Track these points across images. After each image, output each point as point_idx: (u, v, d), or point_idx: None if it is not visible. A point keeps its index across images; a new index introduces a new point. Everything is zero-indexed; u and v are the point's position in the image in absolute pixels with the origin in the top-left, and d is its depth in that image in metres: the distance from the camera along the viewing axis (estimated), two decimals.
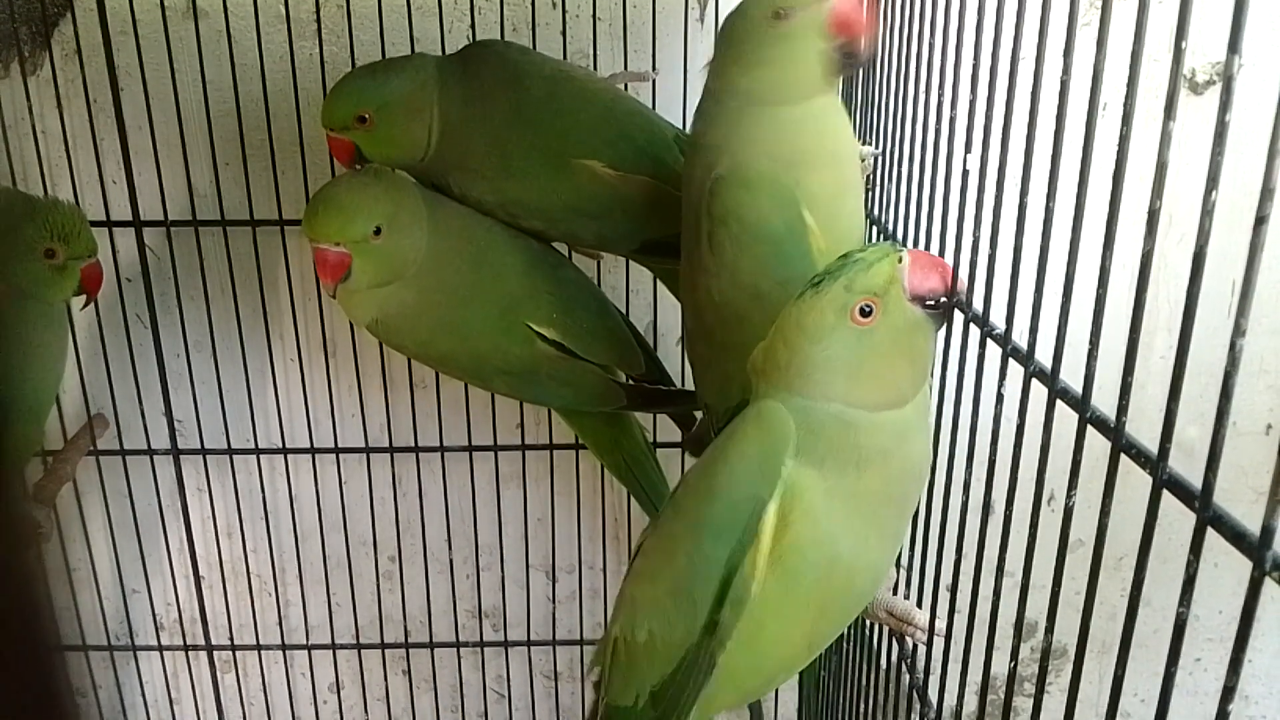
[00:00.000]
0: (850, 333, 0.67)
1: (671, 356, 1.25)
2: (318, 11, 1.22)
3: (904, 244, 0.89)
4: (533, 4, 1.22)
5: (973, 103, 0.70)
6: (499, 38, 1.21)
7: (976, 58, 0.69)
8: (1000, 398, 0.65)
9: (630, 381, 1.16)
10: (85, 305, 1.13)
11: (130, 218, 1.26)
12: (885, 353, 0.67)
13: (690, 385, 1.05)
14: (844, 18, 0.81)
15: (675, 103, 1.21)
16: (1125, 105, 0.51)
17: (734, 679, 0.76)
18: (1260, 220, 0.40)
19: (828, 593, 0.71)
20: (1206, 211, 0.43)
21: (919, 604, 0.85)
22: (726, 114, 0.86)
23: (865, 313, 0.66)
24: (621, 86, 1.16)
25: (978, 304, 0.70)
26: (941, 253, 0.78)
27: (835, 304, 0.67)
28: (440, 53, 1.20)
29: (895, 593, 0.86)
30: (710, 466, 0.74)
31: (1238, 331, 0.41)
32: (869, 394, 0.68)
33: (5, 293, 1.06)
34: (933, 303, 0.68)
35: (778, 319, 0.71)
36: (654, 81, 1.22)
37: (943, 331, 0.76)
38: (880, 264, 0.67)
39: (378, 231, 0.99)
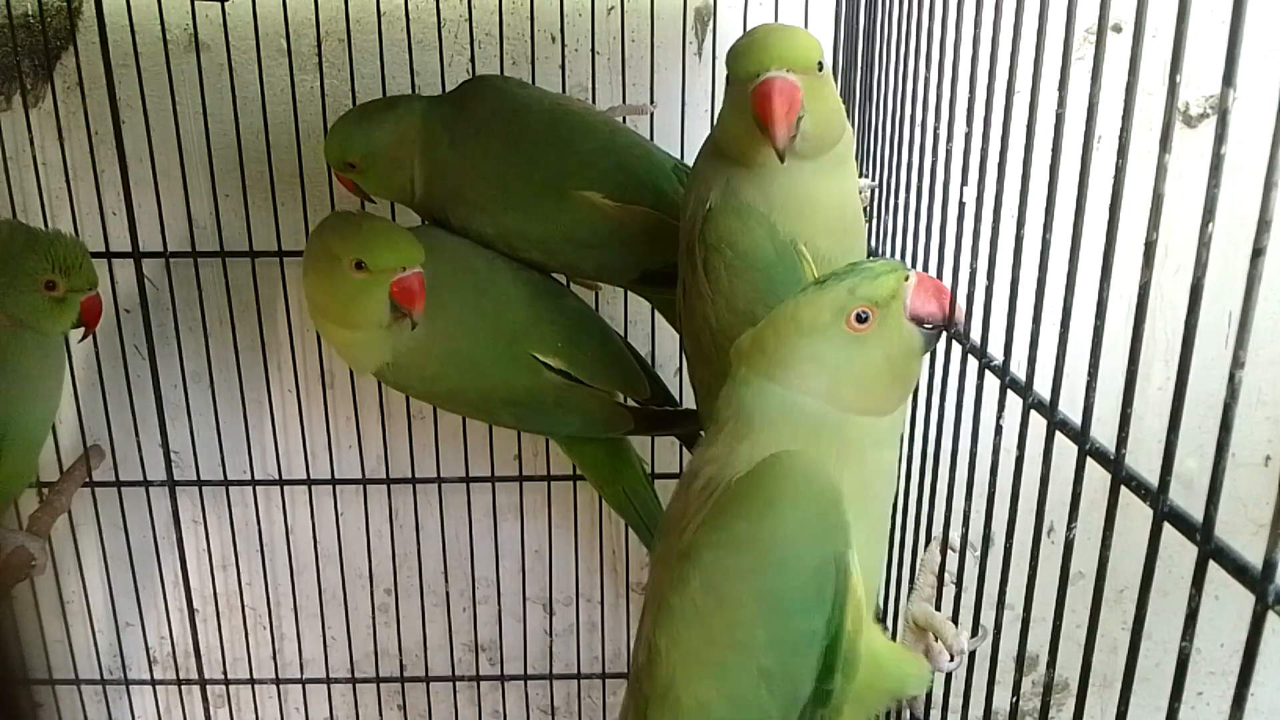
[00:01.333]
0: (842, 335, 0.67)
1: (669, 387, 1.25)
2: (319, 45, 1.23)
3: None
4: (532, 38, 1.23)
5: (969, 135, 0.70)
6: (499, 72, 1.22)
7: (972, 90, 0.70)
8: (999, 429, 0.65)
9: (635, 405, 1.16)
10: (84, 338, 1.13)
11: (129, 249, 1.26)
12: (872, 363, 0.67)
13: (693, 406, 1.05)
14: (760, 101, 0.78)
15: (673, 135, 1.22)
16: (1120, 138, 0.51)
17: None
18: (1257, 253, 0.40)
19: None
20: (1203, 243, 0.43)
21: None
22: (717, 156, 0.87)
23: (862, 319, 0.66)
24: (620, 119, 1.16)
25: (975, 335, 0.70)
26: None
27: (835, 304, 0.67)
28: (440, 86, 1.21)
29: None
30: (748, 539, 0.66)
31: (1236, 363, 0.41)
32: (848, 399, 0.67)
33: (4, 324, 1.05)
34: (929, 326, 0.68)
35: (775, 309, 0.71)
36: (652, 114, 1.23)
37: (940, 362, 0.76)
38: (887, 276, 0.67)
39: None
